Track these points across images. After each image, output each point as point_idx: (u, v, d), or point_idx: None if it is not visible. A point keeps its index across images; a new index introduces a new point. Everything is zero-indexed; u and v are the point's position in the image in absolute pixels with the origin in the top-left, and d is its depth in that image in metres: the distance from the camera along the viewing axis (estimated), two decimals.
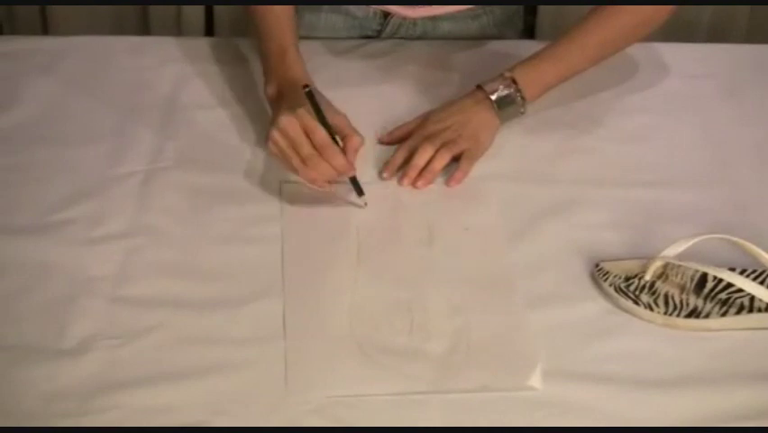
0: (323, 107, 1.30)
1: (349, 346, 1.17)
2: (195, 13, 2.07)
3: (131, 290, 1.22)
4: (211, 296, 1.22)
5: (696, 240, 1.22)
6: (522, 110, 1.42)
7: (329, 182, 1.29)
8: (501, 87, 1.42)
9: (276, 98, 1.36)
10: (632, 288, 1.22)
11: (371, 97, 1.50)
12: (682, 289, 1.22)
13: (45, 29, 2.15)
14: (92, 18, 2.11)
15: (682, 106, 1.54)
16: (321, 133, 1.27)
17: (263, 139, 1.36)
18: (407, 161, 1.38)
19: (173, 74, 1.54)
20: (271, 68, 1.39)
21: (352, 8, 1.58)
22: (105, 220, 1.31)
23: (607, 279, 1.23)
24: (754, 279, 1.20)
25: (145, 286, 1.23)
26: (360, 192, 1.31)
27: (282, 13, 1.44)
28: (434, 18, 1.58)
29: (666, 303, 1.21)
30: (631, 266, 1.23)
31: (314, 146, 1.26)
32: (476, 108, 1.42)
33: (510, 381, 1.14)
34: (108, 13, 2.12)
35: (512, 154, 1.43)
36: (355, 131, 1.31)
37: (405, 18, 1.57)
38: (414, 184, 1.35)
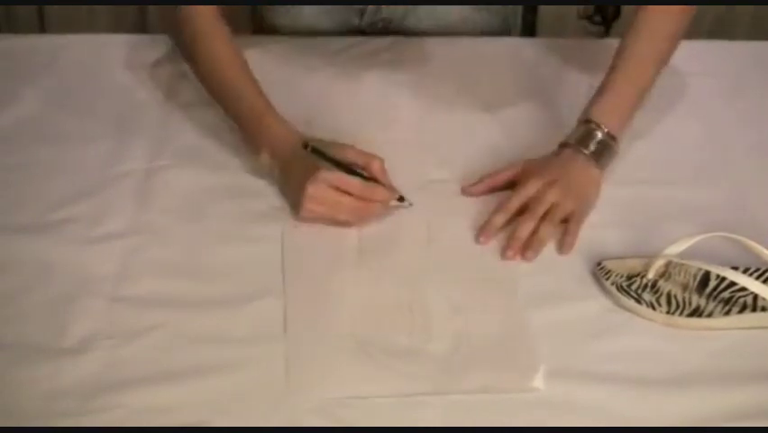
0: (331, 152, 1.27)
1: (350, 346, 1.15)
2: None
3: (131, 290, 1.22)
4: (211, 295, 1.21)
5: (698, 238, 1.20)
6: (617, 149, 1.35)
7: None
8: (587, 136, 1.33)
9: (280, 167, 1.31)
10: (634, 286, 1.20)
11: (372, 102, 1.50)
12: (685, 287, 1.21)
13: (43, 27, 2.15)
14: (90, 16, 2.10)
15: (684, 104, 1.53)
16: (355, 183, 1.24)
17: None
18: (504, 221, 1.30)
19: (171, 72, 1.53)
20: (253, 135, 1.34)
21: None
22: (105, 219, 1.30)
23: (608, 277, 1.22)
24: (758, 277, 1.19)
25: (145, 285, 1.22)
26: (402, 200, 1.29)
27: (233, 60, 1.38)
28: None
29: (668, 302, 1.20)
30: (633, 265, 1.22)
31: (354, 196, 1.25)
32: (575, 163, 1.32)
33: (513, 381, 1.13)
34: (105, 11, 2.11)
35: (513, 152, 1.42)
36: (369, 155, 1.28)
37: None
38: (522, 256, 1.26)
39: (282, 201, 1.33)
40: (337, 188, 1.24)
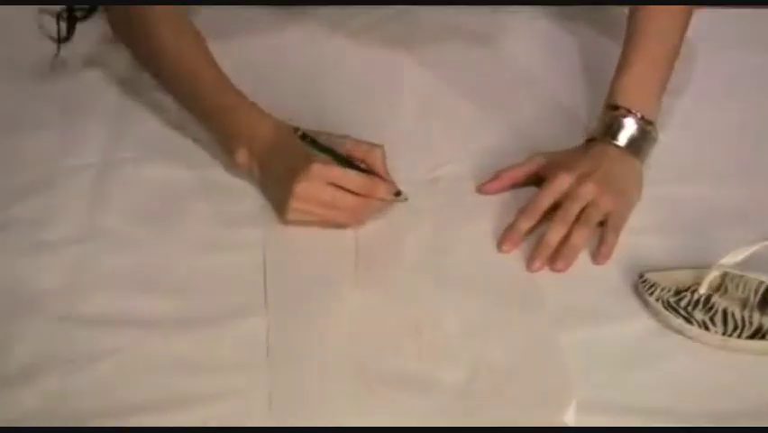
0: (325, 142, 1.19)
1: (344, 375, 1.06)
2: None
3: (84, 307, 1.13)
4: (181, 314, 1.12)
5: (759, 246, 1.12)
6: (656, 135, 1.25)
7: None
8: (616, 125, 1.24)
9: (260, 164, 1.22)
10: (683, 303, 1.12)
11: (370, 82, 1.43)
12: (744, 304, 1.11)
13: None
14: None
15: (720, 84, 1.46)
16: (354, 178, 1.16)
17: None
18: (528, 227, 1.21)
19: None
20: (228, 132, 1.23)
21: None
22: (52, 221, 1.22)
23: (653, 292, 1.13)
24: None
25: (100, 302, 1.13)
26: (399, 194, 1.20)
27: (189, 50, 1.28)
28: None
29: (725, 321, 1.10)
30: (682, 277, 1.14)
31: (352, 192, 1.16)
32: (609, 155, 1.23)
33: (541, 415, 1.03)
34: None
35: (536, 142, 1.33)
36: (370, 144, 1.19)
37: None
38: (552, 267, 1.15)
39: (264, 201, 1.25)
40: (333, 184, 1.15)
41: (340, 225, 1.19)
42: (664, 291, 1.13)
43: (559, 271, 1.16)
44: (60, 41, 1.39)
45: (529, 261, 1.17)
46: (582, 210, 1.18)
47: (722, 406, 1.05)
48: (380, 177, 1.18)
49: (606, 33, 1.47)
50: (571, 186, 1.20)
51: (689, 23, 1.32)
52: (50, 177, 1.27)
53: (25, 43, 1.47)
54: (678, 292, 1.12)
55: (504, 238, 1.19)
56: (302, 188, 1.15)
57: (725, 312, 1.11)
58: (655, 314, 1.12)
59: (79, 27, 1.44)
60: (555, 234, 1.17)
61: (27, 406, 1.02)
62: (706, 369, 1.08)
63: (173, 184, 1.26)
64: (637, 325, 1.12)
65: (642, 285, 1.14)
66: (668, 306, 1.12)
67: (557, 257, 1.16)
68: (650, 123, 1.24)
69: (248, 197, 1.24)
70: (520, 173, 1.25)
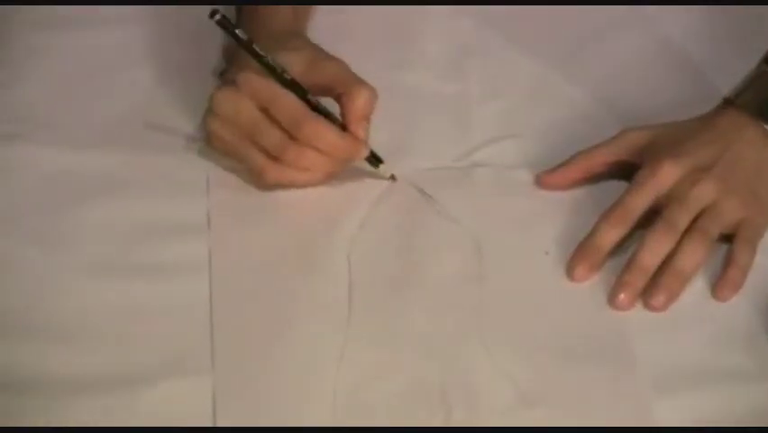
0: (292, 54, 0.94)
1: None
2: None
3: None
4: (93, 370, 0.87)
5: None
6: None
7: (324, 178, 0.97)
8: (759, 87, 0.99)
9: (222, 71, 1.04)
10: None
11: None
12: None
13: None
14: None
15: None
16: (286, 100, 0.92)
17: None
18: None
19: None
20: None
21: None
22: None
23: None
24: None
25: None
26: (377, 161, 0.97)
27: None
28: None
29: None
30: None
31: (283, 127, 0.94)
32: (741, 136, 0.98)
33: None
34: None
35: (616, 115, 1.07)
36: (359, 81, 0.96)
37: None
38: (648, 303, 0.90)
39: (210, 203, 0.97)
40: (259, 103, 0.92)
41: (258, 177, 0.94)
42: None
43: (657, 310, 0.89)
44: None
45: (612, 294, 0.90)
46: (696, 219, 0.93)
47: None
48: (353, 130, 0.94)
49: None
50: (680, 181, 0.94)
51: None
52: None
53: None
54: None
55: (577, 259, 0.91)
56: (216, 97, 0.93)
57: None
58: None
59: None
60: (654, 253, 0.90)
61: None
62: None
63: (76, 175, 1.00)
64: None
65: None
66: None
67: (656, 288, 0.89)
68: None
69: (184, 198, 0.96)
70: (600, 158, 0.99)
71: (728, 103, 0.98)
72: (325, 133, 0.93)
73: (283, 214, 0.98)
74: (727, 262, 0.92)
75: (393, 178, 0.98)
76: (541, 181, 0.99)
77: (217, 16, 0.92)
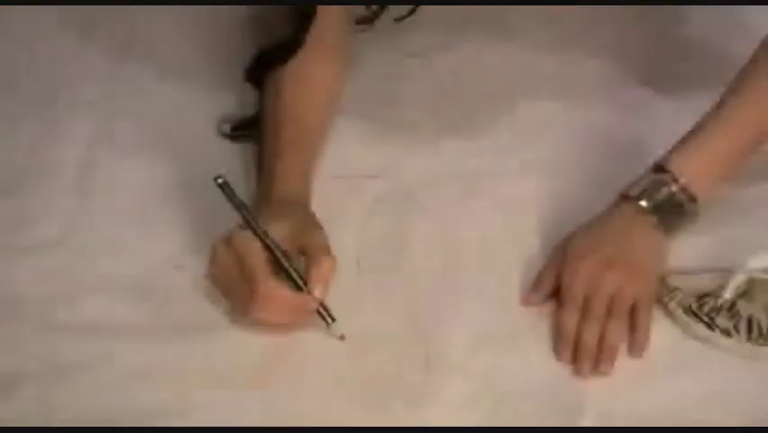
0: (283, 223, 1.06)
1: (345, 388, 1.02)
2: None
3: (69, 314, 1.07)
4: (173, 321, 1.07)
5: None
6: (694, 211, 1.12)
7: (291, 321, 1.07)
8: (655, 188, 1.12)
9: None
10: (706, 309, 1.08)
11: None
12: None
13: None
14: None
15: None
16: (250, 261, 1.02)
17: None
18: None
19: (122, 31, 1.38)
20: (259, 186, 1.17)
21: None
22: (34, 221, 1.16)
23: (673, 298, 1.09)
24: None
25: (88, 308, 1.08)
26: (329, 319, 1.05)
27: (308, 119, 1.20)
28: None
29: (749, 328, 1.07)
30: (704, 282, 1.11)
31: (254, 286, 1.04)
32: (633, 230, 1.12)
33: (556, 424, 1.01)
34: None
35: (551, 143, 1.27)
36: (326, 252, 1.06)
37: None
38: (598, 371, 1.06)
39: None
40: (240, 259, 1.04)
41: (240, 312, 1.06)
42: (685, 297, 1.10)
43: (604, 374, 1.06)
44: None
45: (576, 370, 1.07)
46: (611, 302, 1.09)
47: (746, 418, 1.01)
48: (314, 288, 1.05)
49: None
50: (592, 278, 1.10)
51: None
52: (29, 171, 1.21)
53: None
54: (700, 298, 1.09)
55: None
56: (215, 253, 1.05)
57: (750, 319, 1.08)
58: (675, 321, 1.09)
59: (59, 14, 1.39)
60: (591, 335, 1.07)
61: (9, 417, 0.98)
62: (729, 379, 1.05)
63: (165, 183, 1.20)
64: (657, 333, 1.07)
65: (662, 290, 1.10)
66: (689, 312, 1.09)
67: (600, 360, 1.07)
68: (693, 198, 1.11)
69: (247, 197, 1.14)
70: (549, 282, 1.13)
71: (624, 198, 1.12)
72: (277, 293, 1.02)
73: None
74: (633, 329, 1.08)
75: (342, 337, 1.05)
76: (527, 302, 1.12)
77: (220, 180, 1.05)
